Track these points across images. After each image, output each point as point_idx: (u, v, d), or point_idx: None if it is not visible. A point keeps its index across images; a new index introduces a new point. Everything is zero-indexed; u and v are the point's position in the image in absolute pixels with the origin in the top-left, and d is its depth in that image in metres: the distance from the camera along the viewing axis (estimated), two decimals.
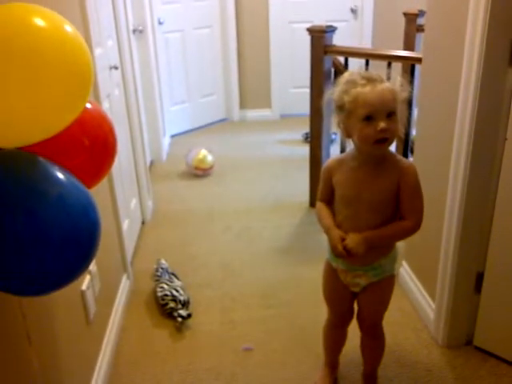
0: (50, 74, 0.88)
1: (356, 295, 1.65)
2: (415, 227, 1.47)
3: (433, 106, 2.06)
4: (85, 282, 1.74)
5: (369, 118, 1.36)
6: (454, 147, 1.81)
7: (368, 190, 1.45)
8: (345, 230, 1.49)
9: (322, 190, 1.60)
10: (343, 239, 1.46)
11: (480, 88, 1.65)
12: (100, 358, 1.86)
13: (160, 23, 4.30)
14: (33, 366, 1.29)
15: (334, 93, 1.43)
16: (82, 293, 1.72)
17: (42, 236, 0.94)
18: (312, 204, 3.20)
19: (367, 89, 1.36)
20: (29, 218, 0.92)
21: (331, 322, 1.78)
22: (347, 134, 1.45)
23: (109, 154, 1.22)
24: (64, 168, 1.01)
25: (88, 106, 1.16)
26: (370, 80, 1.37)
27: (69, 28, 0.94)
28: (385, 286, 1.61)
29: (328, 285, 1.69)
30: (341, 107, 1.41)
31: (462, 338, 2.02)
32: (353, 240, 1.44)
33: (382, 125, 1.34)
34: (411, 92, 1.44)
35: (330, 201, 1.58)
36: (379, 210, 1.46)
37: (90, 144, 1.15)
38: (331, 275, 1.65)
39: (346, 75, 1.44)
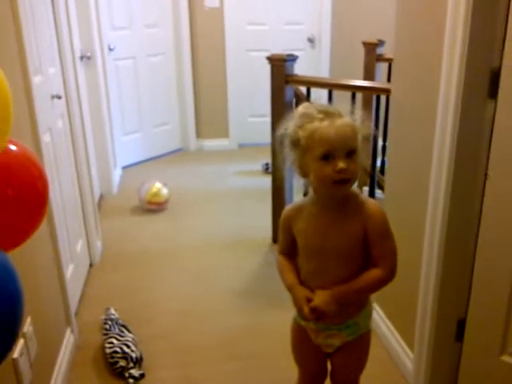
0: None
1: (329, 354, 1.47)
2: (389, 275, 1.31)
3: (405, 139, 1.94)
4: (17, 348, 1.48)
5: (326, 157, 1.20)
6: (431, 184, 1.68)
7: (332, 238, 1.29)
8: (310, 287, 1.33)
9: (282, 242, 1.43)
10: (309, 300, 1.29)
11: (459, 121, 1.53)
12: None
13: (110, 49, 4.09)
14: None
15: (287, 127, 1.26)
16: (14, 361, 1.46)
17: None
18: (275, 240, 3.02)
19: (325, 124, 1.20)
20: None
21: (302, 383, 1.58)
22: (303, 173, 1.27)
23: (38, 205, 0.99)
24: None
25: (12, 147, 0.95)
26: (328, 114, 1.22)
27: None
28: (361, 344, 1.44)
29: (297, 346, 1.51)
30: (295, 143, 1.24)
31: None
32: (320, 299, 1.28)
33: (341, 165, 1.19)
34: (372, 128, 1.31)
35: (292, 253, 1.41)
36: (347, 260, 1.30)
37: (15, 194, 0.93)
38: (300, 335, 1.46)
39: (300, 108, 1.28)
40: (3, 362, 0.86)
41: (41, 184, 1.00)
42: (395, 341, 2.05)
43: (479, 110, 1.53)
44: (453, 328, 1.78)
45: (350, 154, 1.21)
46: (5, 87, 0.79)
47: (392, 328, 2.09)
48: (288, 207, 1.43)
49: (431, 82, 1.64)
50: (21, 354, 1.50)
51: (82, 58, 3.30)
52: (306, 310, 1.29)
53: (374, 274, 1.30)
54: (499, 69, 1.46)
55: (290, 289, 1.36)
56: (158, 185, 3.53)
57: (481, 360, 1.75)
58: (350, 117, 1.24)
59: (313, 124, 1.21)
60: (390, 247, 1.31)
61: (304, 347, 1.48)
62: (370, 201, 1.35)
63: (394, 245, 1.32)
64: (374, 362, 1.99)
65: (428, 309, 1.77)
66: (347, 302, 1.32)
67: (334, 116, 1.22)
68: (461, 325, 1.77)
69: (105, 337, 2.10)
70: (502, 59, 1.45)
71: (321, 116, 1.21)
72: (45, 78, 2.10)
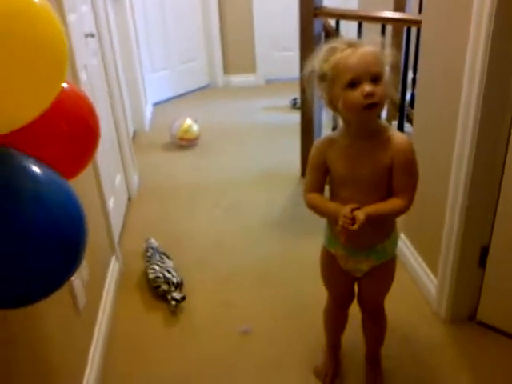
0: (19, 55, 0.74)
1: (356, 278, 1.57)
2: (407, 206, 1.37)
3: (435, 70, 1.93)
4: None
5: (353, 84, 1.25)
6: (460, 115, 1.70)
7: (362, 167, 1.35)
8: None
9: (313, 178, 1.45)
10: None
11: (489, 53, 1.52)
12: (92, 349, 1.77)
13: None
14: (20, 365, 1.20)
15: (313, 64, 1.30)
16: (70, 282, 1.61)
17: (21, 241, 0.82)
18: (304, 174, 3.09)
19: (347, 53, 1.25)
20: (1, 222, 0.80)
21: (332, 306, 1.71)
22: (332, 105, 1.33)
23: (91, 139, 1.09)
24: (40, 160, 0.88)
25: (64, 85, 1.02)
26: (351, 45, 1.26)
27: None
28: (387, 269, 1.53)
29: (327, 271, 1.60)
30: (322, 77, 1.29)
31: (465, 313, 1.97)
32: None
33: (368, 88, 1.23)
34: (398, 57, 1.34)
35: (320, 190, 1.44)
36: (375, 188, 1.36)
37: (69, 129, 1.02)
38: (329, 262, 1.56)
39: (324, 45, 1.32)
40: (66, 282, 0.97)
41: (92, 119, 1.09)
42: (419, 267, 2.14)
43: (510, 45, 1.52)
44: (476, 254, 1.86)
45: (376, 79, 1.25)
46: (59, 28, 0.86)
47: (417, 255, 2.18)
48: (319, 140, 1.47)
49: (462, 12, 1.62)
50: (75, 277, 1.64)
51: None
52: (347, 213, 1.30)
53: (396, 201, 1.35)
54: None
55: (335, 212, 1.34)
56: (188, 121, 3.61)
57: (502, 285, 1.83)
58: (373, 46, 1.28)
59: (335, 55, 1.26)
60: (413, 182, 1.36)
61: (333, 272, 1.58)
62: (401, 135, 1.39)
63: (417, 180, 1.37)
64: (398, 286, 2.08)
65: (453, 236, 1.84)
66: (374, 219, 1.32)
67: (357, 46, 1.26)
68: (484, 251, 1.84)
69: (147, 263, 2.26)
70: None
71: (343, 47, 1.26)
72: (78, 16, 2.14)
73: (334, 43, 1.29)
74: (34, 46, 0.77)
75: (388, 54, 1.29)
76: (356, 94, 1.25)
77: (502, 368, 1.78)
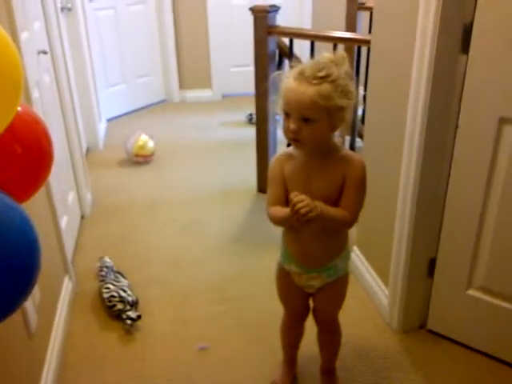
0: None
1: (311, 294, 1.61)
2: (351, 222, 1.41)
3: (383, 91, 2.02)
4: None
5: (286, 114, 1.31)
6: (406, 133, 1.78)
7: (316, 185, 1.39)
8: (295, 230, 1.43)
9: (273, 192, 1.44)
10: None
11: (433, 74, 1.61)
12: (45, 373, 1.72)
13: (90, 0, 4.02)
14: None
15: (278, 74, 1.36)
16: (23, 308, 1.57)
17: None
18: (260, 189, 3.13)
19: (290, 85, 1.28)
20: None
21: (288, 321, 1.74)
22: None
23: (45, 162, 1.08)
24: None
25: (18, 108, 1.02)
26: (302, 77, 1.27)
27: None
28: (340, 285, 1.58)
29: (282, 287, 1.64)
30: (278, 92, 1.34)
31: (416, 322, 2.04)
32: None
33: (291, 126, 1.29)
34: (352, 99, 1.31)
35: (283, 203, 1.43)
36: (327, 204, 1.37)
37: (23, 152, 1.01)
38: (284, 278, 1.59)
39: (291, 64, 1.36)
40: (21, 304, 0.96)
41: (45, 141, 1.08)
42: (372, 279, 2.21)
43: (452, 63, 1.62)
44: (425, 265, 1.94)
45: (306, 120, 1.27)
46: (13, 49, 0.86)
47: (369, 267, 2.25)
48: (278, 153, 1.50)
49: (407, 35, 1.71)
50: (27, 300, 1.61)
51: (62, 9, 3.25)
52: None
53: (343, 212, 1.38)
54: (471, 24, 1.54)
55: (287, 215, 1.32)
56: (143, 137, 3.59)
57: (450, 294, 1.91)
58: (328, 85, 1.24)
59: (288, 80, 1.30)
60: (359, 200, 1.41)
61: (288, 288, 1.61)
62: (354, 154, 1.45)
63: (363, 200, 1.42)
64: (352, 299, 2.15)
65: (402, 249, 1.91)
66: (322, 215, 1.30)
67: (307, 80, 1.25)
68: (432, 263, 1.93)
69: (101, 283, 2.23)
70: (474, 14, 1.53)
71: (296, 75, 1.28)
72: (31, 34, 2.11)
73: (300, 64, 1.31)
74: None
75: (342, 97, 1.26)
76: (286, 124, 1.31)
77: (453, 375, 1.85)
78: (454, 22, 1.56)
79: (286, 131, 1.32)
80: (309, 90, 1.25)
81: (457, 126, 1.68)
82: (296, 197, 1.27)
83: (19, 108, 1.02)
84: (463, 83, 1.62)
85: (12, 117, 0.85)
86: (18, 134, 1.00)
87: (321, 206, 1.30)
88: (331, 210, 1.36)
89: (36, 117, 1.09)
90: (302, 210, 1.26)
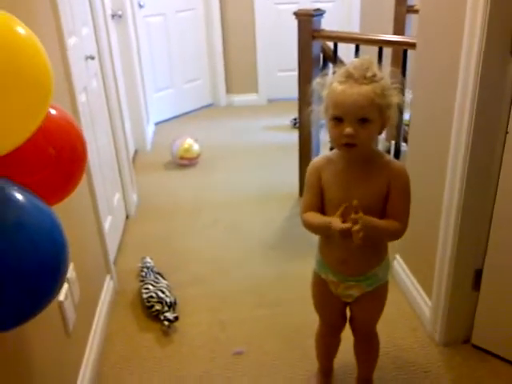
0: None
1: (348, 303, 1.56)
2: (403, 230, 1.38)
3: (428, 96, 1.96)
4: (62, 291, 1.63)
5: (338, 119, 1.26)
6: (451, 139, 1.71)
7: (356, 193, 1.33)
8: (334, 239, 1.36)
9: (309, 198, 1.42)
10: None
11: (480, 79, 1.54)
12: (82, 371, 1.76)
13: (141, 6, 4.12)
14: None
15: (316, 84, 1.34)
16: (60, 304, 1.61)
17: (1, 268, 0.83)
18: (302, 194, 3.09)
19: (341, 88, 1.25)
20: None
21: (323, 331, 1.70)
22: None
23: (78, 164, 1.10)
24: (24, 186, 0.90)
25: (52, 111, 1.04)
26: (350, 78, 1.24)
27: (22, 30, 0.82)
28: (379, 295, 1.53)
29: (318, 296, 1.60)
30: (320, 99, 1.32)
31: (460, 336, 1.95)
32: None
33: (348, 130, 1.24)
34: (400, 97, 1.31)
35: (318, 209, 1.41)
36: (368, 214, 1.32)
37: (56, 154, 1.04)
38: (321, 287, 1.55)
39: (333, 69, 1.34)
40: (50, 304, 0.98)
41: (80, 144, 1.10)
42: (414, 289, 2.13)
43: (501, 67, 1.54)
44: (470, 277, 1.85)
45: (363, 120, 1.24)
46: (43, 57, 0.88)
47: (412, 277, 2.17)
48: (316, 158, 1.47)
49: (455, 38, 1.64)
50: (66, 298, 1.65)
51: (113, 16, 3.36)
52: (341, 225, 1.27)
53: (394, 222, 1.36)
54: None
55: (328, 222, 1.32)
56: (189, 141, 3.63)
57: (497, 308, 1.82)
58: (378, 84, 1.24)
59: (333, 85, 1.27)
60: (407, 206, 1.38)
61: (324, 297, 1.57)
62: (396, 161, 1.42)
63: (409, 204, 1.38)
64: (394, 308, 2.11)
65: (446, 258, 1.83)
66: (371, 231, 1.29)
67: (357, 81, 1.23)
68: (478, 274, 1.84)
69: (141, 283, 2.26)
70: None
71: (343, 79, 1.25)
72: (79, 39, 2.18)
73: (341, 68, 1.29)
74: (16, 78, 0.78)
75: (393, 95, 1.27)
76: (338, 130, 1.27)
77: None
78: (503, 23, 1.48)
79: (339, 137, 1.27)
80: (363, 90, 1.23)
81: (507, 132, 1.60)
82: (350, 219, 1.26)
83: (54, 111, 1.05)
84: None
85: (40, 121, 0.87)
86: (52, 136, 1.03)
87: (370, 222, 1.28)
88: (381, 224, 1.34)
89: (71, 120, 1.11)
90: (354, 229, 1.25)
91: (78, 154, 1.10)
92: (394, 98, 1.28)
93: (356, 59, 1.30)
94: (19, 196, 0.88)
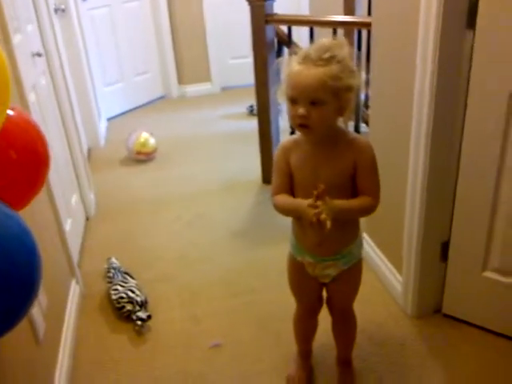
0: None
1: (324, 284, 1.57)
2: (377, 203, 1.40)
3: (387, 73, 1.97)
4: None
5: (293, 101, 1.27)
6: (413, 114, 1.73)
7: (324, 174, 1.35)
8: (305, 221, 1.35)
9: (279, 180, 1.42)
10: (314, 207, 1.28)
11: (439, 52, 1.56)
12: (56, 379, 1.70)
13: None
14: None
15: (283, 61, 1.33)
16: (28, 314, 1.54)
17: None
18: (265, 180, 3.09)
19: (296, 69, 1.25)
20: None
21: (301, 314, 1.70)
22: None
23: (40, 166, 1.04)
24: None
25: (10, 112, 0.98)
26: (307, 60, 1.24)
27: None
28: (355, 272, 1.55)
29: (294, 279, 1.60)
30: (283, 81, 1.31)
31: (431, 307, 2.00)
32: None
33: (300, 111, 1.25)
34: (359, 79, 1.29)
35: (288, 191, 1.42)
36: (338, 192, 1.34)
37: (18, 157, 0.97)
38: (297, 269, 1.55)
39: (294, 50, 1.32)
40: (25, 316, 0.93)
41: (40, 144, 1.05)
42: (384, 266, 2.17)
43: (458, 40, 1.56)
44: (437, 250, 1.90)
45: (315, 103, 1.24)
46: (3, 59, 0.82)
47: (381, 255, 2.21)
48: (283, 142, 1.46)
49: (411, 13, 1.65)
50: (33, 306, 1.58)
51: (56, 11, 3.21)
52: (312, 211, 1.26)
53: (365, 199, 1.37)
54: None
55: (298, 207, 1.32)
56: (144, 135, 3.55)
57: (465, 277, 1.87)
58: (335, 66, 1.22)
59: (291, 65, 1.27)
60: (377, 180, 1.39)
61: (301, 279, 1.57)
62: (360, 138, 1.42)
63: (379, 178, 1.40)
64: (365, 287, 2.10)
65: (414, 233, 1.87)
66: (340, 215, 1.30)
67: (312, 62, 1.23)
68: (445, 246, 1.88)
69: (109, 284, 2.20)
70: None
71: (301, 60, 1.25)
72: (24, 37, 2.07)
73: (302, 49, 1.28)
74: None
75: (350, 77, 1.25)
76: (293, 111, 1.27)
77: (471, 358, 1.81)
78: None
79: (294, 117, 1.28)
80: (317, 72, 1.22)
81: (466, 105, 1.63)
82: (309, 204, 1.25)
83: (12, 112, 0.99)
84: (471, 60, 1.57)
85: (2, 119, 0.81)
86: (12, 138, 0.96)
87: (336, 206, 1.27)
88: (350, 204, 1.35)
89: (30, 120, 1.05)
90: (321, 219, 1.24)
91: (39, 156, 1.04)
92: (353, 81, 1.27)
93: (324, 39, 1.29)
94: None
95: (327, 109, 1.26)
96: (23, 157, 0.98)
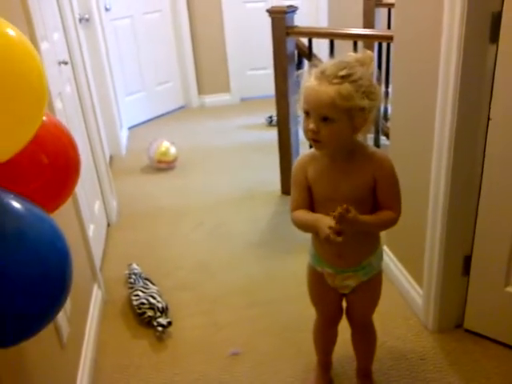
0: None
1: (344, 294, 1.57)
2: (397, 217, 1.39)
3: (409, 87, 1.97)
4: None
5: (306, 113, 1.28)
6: (435, 129, 1.73)
7: (342, 189, 1.35)
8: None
9: (296, 196, 1.41)
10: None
11: (462, 66, 1.56)
12: (78, 382, 1.71)
13: (107, 9, 4.06)
14: None
15: (301, 73, 1.34)
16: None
17: (5, 281, 0.79)
18: (284, 191, 3.10)
19: (311, 84, 1.25)
20: None
21: (321, 324, 1.70)
22: None
23: (72, 170, 1.07)
24: (21, 195, 0.86)
25: (44, 118, 1.01)
26: (323, 75, 1.24)
27: (12, 32, 0.78)
28: (375, 284, 1.54)
29: (314, 289, 1.60)
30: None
31: (452, 321, 1.98)
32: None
33: (311, 126, 1.26)
34: (376, 100, 1.27)
35: (307, 206, 1.41)
36: (357, 206, 1.31)
37: (50, 162, 1.00)
38: (317, 280, 1.55)
39: (314, 63, 1.33)
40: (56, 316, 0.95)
41: (72, 150, 1.07)
42: (405, 279, 2.15)
43: (481, 54, 1.56)
44: (459, 263, 1.88)
45: (326, 119, 1.24)
46: (37, 60, 0.85)
47: (401, 267, 2.19)
48: (300, 156, 1.46)
49: (433, 27, 1.66)
50: None
51: (80, 20, 3.28)
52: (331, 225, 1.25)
53: (386, 213, 1.37)
54: (500, 12, 1.49)
55: (315, 222, 1.32)
56: (165, 144, 3.59)
57: (487, 292, 1.85)
58: (349, 85, 1.21)
59: (309, 79, 1.27)
60: (398, 193, 1.39)
61: (321, 290, 1.57)
62: (379, 151, 1.42)
63: (400, 190, 1.40)
64: (385, 299, 2.09)
65: (435, 247, 1.86)
66: (361, 229, 1.32)
67: (327, 78, 1.22)
68: (467, 260, 1.87)
69: (130, 290, 2.22)
70: (503, 2, 1.47)
71: (318, 74, 1.25)
72: (51, 45, 2.13)
73: (321, 64, 1.28)
74: (11, 82, 0.75)
75: (363, 98, 1.23)
76: (306, 124, 1.28)
77: (493, 375, 1.78)
78: (481, 10, 1.51)
79: (306, 131, 1.30)
80: (328, 90, 1.22)
81: (489, 119, 1.63)
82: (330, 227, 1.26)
83: (45, 118, 1.01)
84: (493, 73, 1.57)
85: (37, 127, 0.84)
86: (44, 144, 0.99)
87: (360, 221, 1.27)
88: (374, 219, 1.35)
89: (62, 126, 1.08)
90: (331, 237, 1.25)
91: (71, 161, 1.07)
92: (367, 102, 1.24)
93: (350, 54, 1.30)
94: (18, 205, 0.84)
95: (338, 126, 1.25)
96: (55, 161, 1.00)
